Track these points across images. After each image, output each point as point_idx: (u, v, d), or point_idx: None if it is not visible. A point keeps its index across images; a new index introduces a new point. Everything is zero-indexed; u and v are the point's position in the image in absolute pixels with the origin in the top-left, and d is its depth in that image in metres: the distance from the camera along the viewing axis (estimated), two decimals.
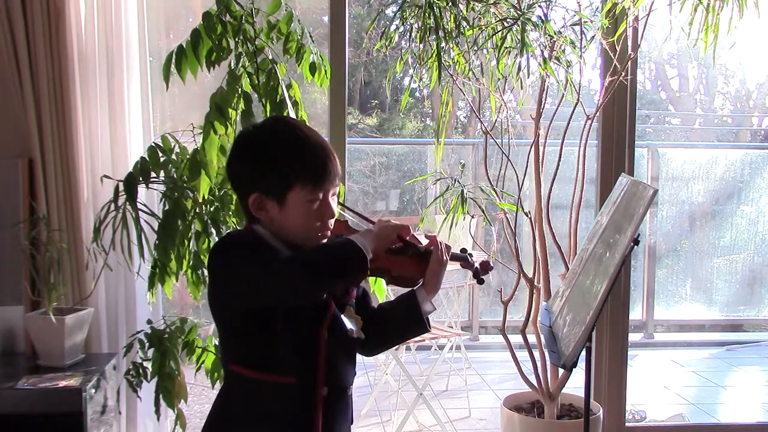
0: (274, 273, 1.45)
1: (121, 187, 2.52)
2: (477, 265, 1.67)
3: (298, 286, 1.45)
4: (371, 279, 2.00)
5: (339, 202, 1.65)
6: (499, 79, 2.97)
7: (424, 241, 1.65)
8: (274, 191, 1.53)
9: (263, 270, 1.45)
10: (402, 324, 1.71)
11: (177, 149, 2.60)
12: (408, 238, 1.58)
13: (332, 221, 1.59)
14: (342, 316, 1.61)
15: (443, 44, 2.78)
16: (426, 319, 1.68)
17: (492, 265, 1.71)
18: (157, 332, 2.62)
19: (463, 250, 1.69)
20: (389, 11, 3.18)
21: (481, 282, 1.66)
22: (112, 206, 2.52)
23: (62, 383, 2.57)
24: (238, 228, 2.59)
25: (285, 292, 1.46)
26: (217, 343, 2.74)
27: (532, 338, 3.17)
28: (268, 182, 1.53)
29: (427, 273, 1.64)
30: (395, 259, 1.59)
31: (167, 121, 3.30)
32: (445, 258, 1.63)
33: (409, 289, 1.68)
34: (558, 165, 3.07)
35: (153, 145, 2.58)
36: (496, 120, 3.08)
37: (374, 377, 4.42)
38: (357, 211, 1.72)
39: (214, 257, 1.58)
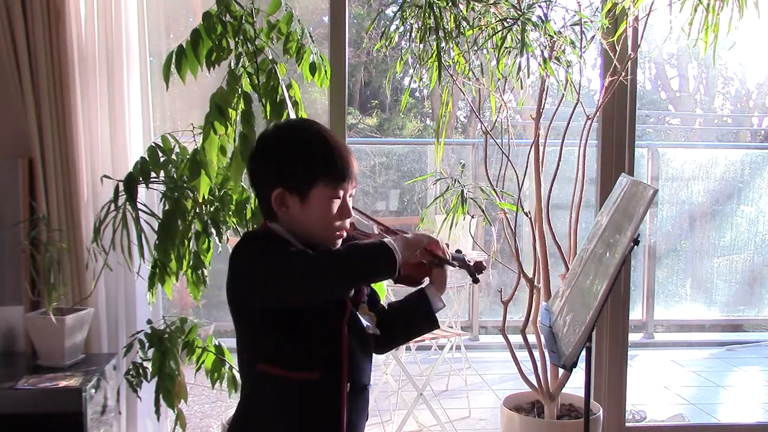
0: (303, 268, 1.46)
1: (121, 187, 2.52)
2: (471, 265, 1.69)
3: (327, 282, 1.47)
4: None
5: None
6: (499, 79, 2.97)
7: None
8: (297, 187, 1.56)
9: (291, 266, 1.47)
10: (414, 321, 1.75)
11: (177, 149, 2.60)
12: (440, 252, 1.59)
13: (348, 222, 1.62)
14: (357, 313, 1.64)
15: (443, 44, 2.78)
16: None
17: (485, 264, 1.74)
18: (157, 332, 2.62)
19: (458, 251, 1.72)
20: (389, 11, 3.18)
21: (476, 281, 1.69)
22: (112, 206, 2.52)
23: (62, 383, 2.57)
24: (239, 228, 2.60)
25: (314, 288, 1.48)
26: (217, 343, 2.74)
27: (532, 338, 3.17)
28: (293, 177, 1.56)
29: (435, 272, 1.67)
30: (409, 264, 1.60)
31: (167, 121, 3.30)
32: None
33: (413, 288, 1.71)
34: (558, 165, 3.07)
35: (153, 145, 2.58)
36: (496, 120, 3.08)
37: (374, 377, 4.41)
38: (363, 211, 1.74)
39: (237, 257, 1.58)
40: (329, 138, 1.60)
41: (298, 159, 1.56)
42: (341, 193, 1.57)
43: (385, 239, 1.51)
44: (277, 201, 1.57)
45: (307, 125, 1.69)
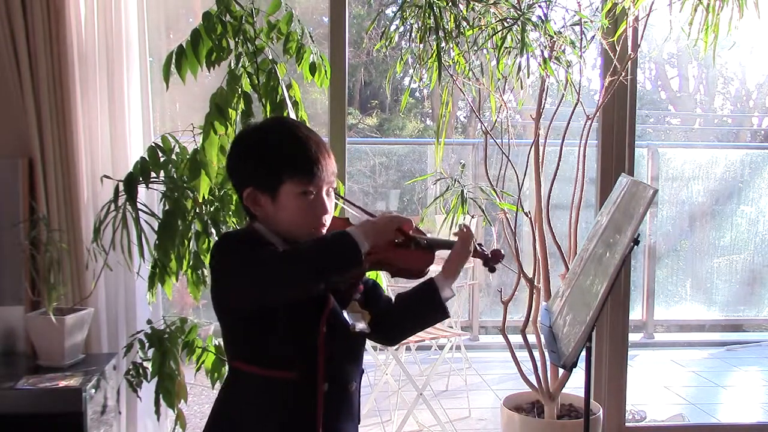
0: (267, 268, 1.45)
1: (121, 187, 2.52)
2: (488, 253, 1.67)
3: (289, 279, 1.45)
4: (372, 272, 2.00)
5: (340, 195, 1.66)
6: (499, 79, 2.97)
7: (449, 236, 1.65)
8: (266, 185, 1.55)
9: (256, 267, 1.46)
10: (422, 311, 1.71)
11: (177, 149, 2.60)
12: (411, 232, 1.57)
13: (327, 217, 1.59)
14: (344, 311, 1.61)
15: (443, 44, 2.78)
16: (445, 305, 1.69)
17: (503, 252, 1.71)
18: (157, 332, 2.62)
19: None
20: (389, 11, 3.19)
21: (492, 270, 1.66)
22: (112, 206, 2.52)
23: (62, 383, 2.57)
24: (238, 228, 2.60)
25: (277, 287, 1.46)
26: (217, 343, 2.74)
27: (532, 338, 3.17)
28: (261, 176, 1.55)
29: (448, 258, 1.65)
30: (399, 252, 1.59)
31: (167, 121, 3.30)
32: (471, 248, 1.64)
33: (416, 280, 1.68)
34: (558, 165, 3.07)
35: (153, 145, 2.58)
36: (496, 120, 3.08)
37: (374, 377, 4.42)
38: (358, 205, 1.72)
39: (212, 256, 1.61)
40: (298, 135, 1.57)
41: (264, 157, 1.56)
42: (312, 189, 1.55)
43: (348, 228, 1.48)
44: (249, 200, 1.57)
45: (277, 123, 1.69)
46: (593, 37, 2.98)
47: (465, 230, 1.66)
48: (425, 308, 1.70)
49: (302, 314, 1.56)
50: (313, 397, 1.56)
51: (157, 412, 2.66)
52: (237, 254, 1.51)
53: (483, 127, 3.16)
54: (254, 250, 1.50)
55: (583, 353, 2.12)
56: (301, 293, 1.51)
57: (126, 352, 2.71)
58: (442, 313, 1.69)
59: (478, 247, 1.67)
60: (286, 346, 1.56)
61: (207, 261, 2.62)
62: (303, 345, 1.56)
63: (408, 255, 1.59)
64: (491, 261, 1.67)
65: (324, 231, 1.59)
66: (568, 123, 3.07)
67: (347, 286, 1.64)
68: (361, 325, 1.62)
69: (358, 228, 1.48)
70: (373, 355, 4.06)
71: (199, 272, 2.59)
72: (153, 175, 2.56)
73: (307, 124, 2.62)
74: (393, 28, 2.90)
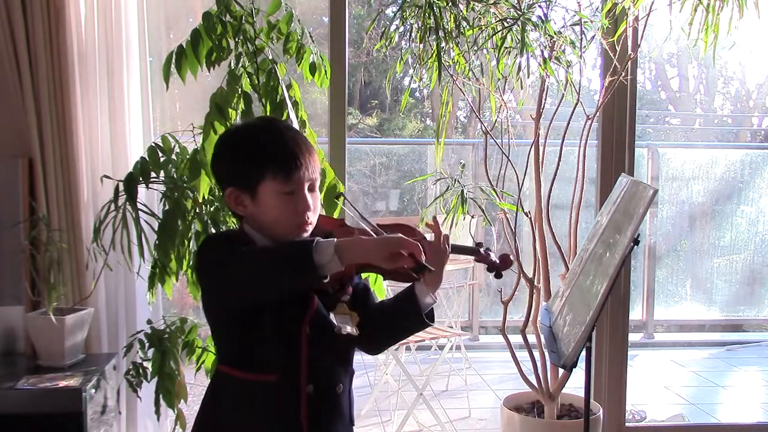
0: (232, 269, 1.45)
1: (121, 187, 2.52)
2: (495, 259, 1.60)
3: (252, 281, 1.43)
4: (371, 277, 1.97)
5: (341, 194, 1.64)
6: (499, 79, 2.97)
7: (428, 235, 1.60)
8: (246, 184, 1.54)
9: (226, 267, 1.46)
10: (401, 319, 1.66)
11: (177, 149, 2.60)
12: (421, 257, 1.41)
13: (311, 214, 1.55)
14: (331, 312, 1.58)
15: (443, 44, 2.78)
16: (428, 313, 1.63)
17: (512, 259, 1.64)
18: (157, 332, 2.62)
19: (479, 244, 1.63)
20: (389, 11, 3.19)
21: (498, 276, 1.60)
22: (112, 206, 2.51)
23: (62, 383, 2.57)
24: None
25: (244, 288, 1.45)
26: None
27: (532, 338, 3.17)
28: (240, 175, 1.55)
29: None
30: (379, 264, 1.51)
31: (167, 121, 3.30)
32: (444, 248, 1.57)
33: (409, 283, 1.64)
34: (558, 165, 3.07)
35: (153, 145, 2.58)
36: (496, 120, 3.08)
37: (374, 377, 4.42)
38: (358, 210, 1.69)
39: (196, 258, 1.63)
40: (276, 132, 1.56)
41: (241, 156, 1.55)
42: (291, 186, 1.52)
43: (323, 239, 1.38)
44: (231, 200, 1.56)
45: (255, 123, 1.71)
46: (593, 37, 2.98)
47: (433, 224, 1.59)
48: (403, 316, 1.65)
49: (286, 316, 1.53)
50: (297, 399, 1.54)
51: (157, 412, 2.66)
52: (211, 256, 1.52)
53: (483, 127, 3.16)
54: (231, 250, 1.48)
55: (583, 353, 2.12)
56: (270, 294, 1.48)
57: (126, 352, 2.71)
58: (420, 323, 1.64)
59: (482, 251, 1.61)
60: (269, 349, 1.53)
61: None
62: (285, 347, 1.54)
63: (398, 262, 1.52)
64: (499, 268, 1.60)
65: (309, 228, 1.56)
66: (568, 123, 3.07)
67: (336, 288, 1.60)
68: (348, 328, 1.57)
69: (344, 240, 1.40)
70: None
71: None
72: (153, 175, 2.56)
73: (307, 124, 2.63)
74: (393, 28, 2.90)
